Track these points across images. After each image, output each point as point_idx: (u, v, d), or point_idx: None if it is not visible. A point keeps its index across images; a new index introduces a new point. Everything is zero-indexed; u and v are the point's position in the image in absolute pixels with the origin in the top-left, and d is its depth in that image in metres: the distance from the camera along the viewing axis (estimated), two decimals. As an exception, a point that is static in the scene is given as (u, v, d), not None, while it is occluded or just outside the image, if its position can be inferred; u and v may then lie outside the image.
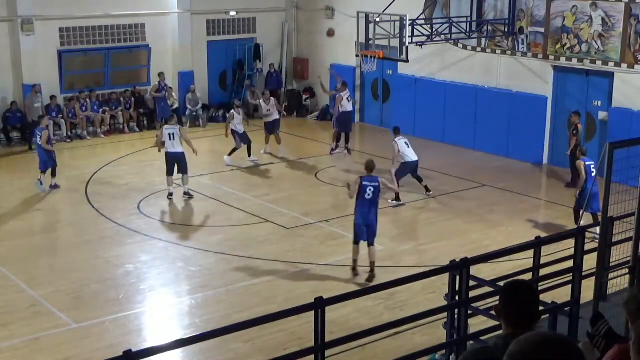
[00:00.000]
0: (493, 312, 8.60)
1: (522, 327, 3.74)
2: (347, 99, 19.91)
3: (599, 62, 17.79)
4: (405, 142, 16.33)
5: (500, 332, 4.00)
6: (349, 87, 20.56)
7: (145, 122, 23.31)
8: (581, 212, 13.21)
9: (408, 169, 16.39)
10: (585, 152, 14.45)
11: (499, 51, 19.98)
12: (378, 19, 17.96)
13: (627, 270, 8.57)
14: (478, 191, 17.07)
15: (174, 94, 23.42)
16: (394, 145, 16.26)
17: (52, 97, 21.42)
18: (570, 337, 2.93)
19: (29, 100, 20.83)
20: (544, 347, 2.51)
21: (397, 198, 16.21)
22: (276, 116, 19.93)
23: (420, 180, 16.52)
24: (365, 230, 12.10)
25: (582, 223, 11.97)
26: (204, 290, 11.91)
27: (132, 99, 22.88)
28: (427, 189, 16.53)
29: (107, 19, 22.39)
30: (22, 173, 18.86)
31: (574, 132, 17.06)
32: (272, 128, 19.84)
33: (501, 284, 8.94)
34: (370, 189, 11.96)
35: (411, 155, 16.29)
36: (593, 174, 13.72)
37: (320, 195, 17.04)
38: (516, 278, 8.77)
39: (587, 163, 14.03)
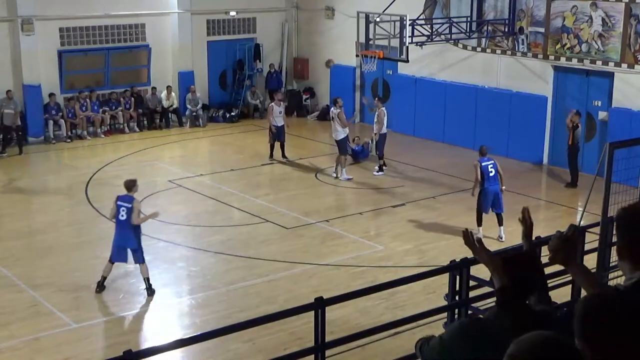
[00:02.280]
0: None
1: (519, 298, 3.70)
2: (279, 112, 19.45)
3: (599, 62, 17.79)
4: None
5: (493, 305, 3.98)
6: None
7: (145, 122, 23.31)
8: (482, 214, 13.89)
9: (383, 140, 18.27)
10: (485, 152, 14.08)
11: (499, 51, 19.98)
12: (378, 19, 17.96)
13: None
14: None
15: (173, 94, 23.43)
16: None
17: (51, 95, 21.39)
18: (570, 337, 2.90)
19: None
20: (544, 348, 2.50)
21: (378, 168, 18.17)
22: (283, 122, 19.51)
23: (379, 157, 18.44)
24: (123, 253, 11.67)
25: (583, 223, 11.95)
26: (204, 290, 11.91)
27: (132, 99, 22.87)
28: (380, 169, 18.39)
29: (107, 19, 22.39)
30: (21, 173, 18.88)
31: (574, 128, 17.07)
32: (279, 134, 19.40)
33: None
34: (123, 210, 11.50)
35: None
36: (492, 174, 13.76)
37: (320, 195, 17.04)
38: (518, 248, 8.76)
39: (483, 164, 13.81)
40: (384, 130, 18.37)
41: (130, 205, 11.53)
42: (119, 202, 11.60)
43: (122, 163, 19.50)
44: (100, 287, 11.72)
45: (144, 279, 11.76)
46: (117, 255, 11.71)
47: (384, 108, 18.60)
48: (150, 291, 11.72)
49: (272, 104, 19.67)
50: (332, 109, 18.40)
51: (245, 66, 25.03)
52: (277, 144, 19.54)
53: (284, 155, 19.51)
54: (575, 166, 17.28)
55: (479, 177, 13.78)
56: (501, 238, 13.93)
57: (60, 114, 21.73)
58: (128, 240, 11.62)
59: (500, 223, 13.99)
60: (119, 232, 11.66)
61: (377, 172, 18.39)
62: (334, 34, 24.37)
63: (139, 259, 11.71)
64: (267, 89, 25.58)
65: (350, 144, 19.16)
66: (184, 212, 15.87)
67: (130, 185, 11.75)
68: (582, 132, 18.49)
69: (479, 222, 14.00)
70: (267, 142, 19.83)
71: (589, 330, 2.60)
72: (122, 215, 11.53)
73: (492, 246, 13.06)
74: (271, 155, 19.54)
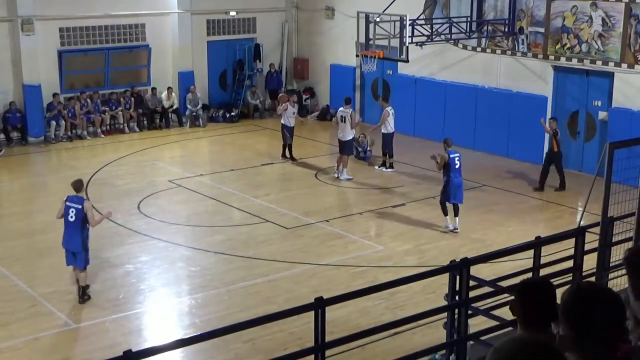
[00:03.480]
0: (497, 314, 8.61)
1: (538, 328, 3.63)
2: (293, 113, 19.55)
3: (599, 62, 17.78)
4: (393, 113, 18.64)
5: (510, 333, 3.94)
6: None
7: (145, 122, 23.30)
8: (447, 204, 14.42)
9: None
10: (451, 144, 14.55)
11: (499, 51, 19.97)
12: (378, 19, 17.95)
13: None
14: (478, 191, 17.07)
15: (173, 94, 23.42)
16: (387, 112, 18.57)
17: (55, 95, 21.35)
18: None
19: None
20: (524, 354, 2.45)
21: (387, 165, 18.53)
22: (294, 122, 19.37)
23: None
24: (70, 256, 11.35)
25: (583, 223, 11.97)
26: (204, 290, 11.91)
27: (132, 99, 22.87)
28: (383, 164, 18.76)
29: (107, 19, 22.38)
30: (22, 173, 18.89)
31: (557, 136, 16.74)
32: (292, 135, 19.40)
33: (501, 284, 8.98)
34: (72, 211, 11.10)
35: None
36: (457, 166, 14.33)
37: (320, 195, 17.04)
38: (533, 276, 8.78)
39: (451, 156, 14.36)
40: (391, 129, 18.47)
41: (80, 207, 11.12)
42: (67, 203, 11.18)
43: (122, 163, 19.50)
44: (83, 295, 11.37)
45: (80, 287, 11.32)
46: (68, 259, 11.40)
47: (389, 108, 18.67)
48: (83, 300, 11.30)
49: (287, 103, 19.52)
50: (342, 108, 18.35)
51: (245, 66, 25.03)
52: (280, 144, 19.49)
53: (284, 155, 19.51)
54: (562, 170, 17.08)
55: (442, 167, 14.35)
56: (456, 229, 14.41)
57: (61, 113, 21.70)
58: (73, 242, 11.26)
59: (456, 214, 14.45)
60: (65, 234, 11.30)
61: (387, 168, 18.65)
62: (334, 34, 24.37)
63: (81, 263, 11.33)
64: (267, 89, 25.60)
65: (356, 144, 19.26)
66: (184, 212, 15.88)
67: (79, 185, 11.37)
68: (582, 132, 18.54)
69: (445, 212, 14.43)
70: (265, 142, 19.87)
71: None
72: (71, 217, 11.13)
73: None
74: (291, 157, 19.41)
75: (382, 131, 18.60)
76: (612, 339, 2.64)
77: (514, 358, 2.44)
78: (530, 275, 9.35)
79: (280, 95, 21.63)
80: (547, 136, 19.15)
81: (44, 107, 21.39)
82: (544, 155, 17.43)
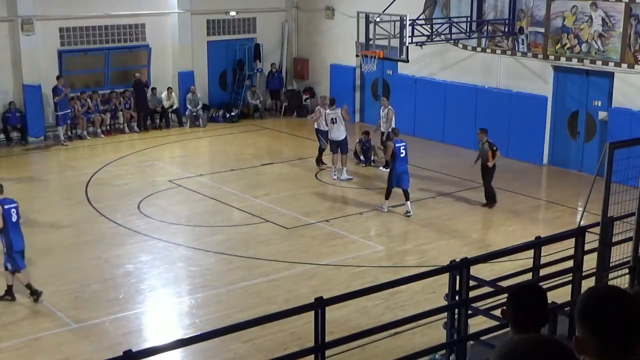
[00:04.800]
0: (497, 314, 8.61)
1: (530, 331, 3.66)
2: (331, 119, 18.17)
3: (599, 62, 17.78)
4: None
5: (509, 333, 3.94)
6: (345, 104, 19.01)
7: (148, 120, 23.22)
8: (392, 190, 15.27)
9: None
10: (397, 133, 15.83)
11: (499, 51, 19.97)
12: (378, 19, 17.95)
13: (627, 270, 8.57)
14: (478, 191, 17.06)
15: (173, 94, 23.41)
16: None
17: (58, 77, 21.20)
18: (561, 337, 2.86)
19: None
20: (534, 354, 2.43)
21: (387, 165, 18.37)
22: (344, 133, 17.76)
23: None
24: (23, 257, 11.39)
25: (583, 223, 11.97)
26: (204, 290, 11.91)
27: (132, 98, 22.86)
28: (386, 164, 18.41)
29: (107, 19, 22.38)
30: (22, 173, 18.88)
31: (494, 148, 15.80)
32: (326, 139, 18.32)
33: (501, 284, 8.98)
34: (13, 211, 11.28)
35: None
36: (402, 155, 15.19)
37: (320, 195, 17.04)
38: (524, 280, 8.81)
39: (397, 145, 15.17)
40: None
41: (16, 204, 11.34)
42: (6, 207, 11.18)
43: (122, 163, 19.50)
44: (37, 294, 11.27)
45: (10, 286, 11.34)
46: (22, 261, 11.39)
47: (391, 107, 18.67)
48: (9, 298, 11.38)
49: (319, 107, 18.81)
50: (328, 111, 18.13)
51: (245, 66, 25.03)
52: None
53: (321, 161, 18.86)
54: (490, 186, 16.02)
55: (390, 156, 15.16)
56: (408, 212, 15.12)
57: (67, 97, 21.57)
58: (23, 239, 11.42)
59: (407, 198, 15.28)
60: (18, 235, 11.32)
61: (387, 168, 18.51)
62: (334, 34, 24.37)
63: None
64: (267, 89, 25.60)
65: (359, 152, 19.21)
66: (184, 212, 15.88)
67: (1, 188, 11.48)
68: (582, 132, 18.54)
69: (387, 197, 15.38)
70: (265, 142, 19.85)
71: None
72: (14, 217, 11.22)
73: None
74: (317, 160, 18.83)
75: (383, 131, 18.60)
76: (633, 340, 2.63)
77: (529, 358, 2.42)
78: (530, 275, 9.36)
79: (320, 97, 20.85)
80: (547, 138, 19.20)
81: (44, 107, 21.38)
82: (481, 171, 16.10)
